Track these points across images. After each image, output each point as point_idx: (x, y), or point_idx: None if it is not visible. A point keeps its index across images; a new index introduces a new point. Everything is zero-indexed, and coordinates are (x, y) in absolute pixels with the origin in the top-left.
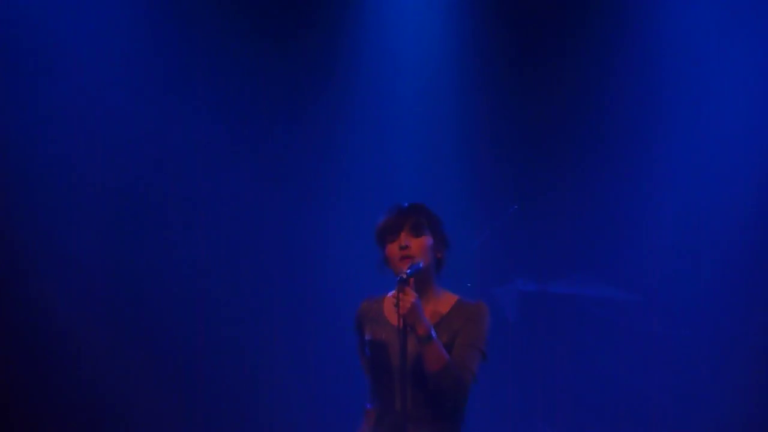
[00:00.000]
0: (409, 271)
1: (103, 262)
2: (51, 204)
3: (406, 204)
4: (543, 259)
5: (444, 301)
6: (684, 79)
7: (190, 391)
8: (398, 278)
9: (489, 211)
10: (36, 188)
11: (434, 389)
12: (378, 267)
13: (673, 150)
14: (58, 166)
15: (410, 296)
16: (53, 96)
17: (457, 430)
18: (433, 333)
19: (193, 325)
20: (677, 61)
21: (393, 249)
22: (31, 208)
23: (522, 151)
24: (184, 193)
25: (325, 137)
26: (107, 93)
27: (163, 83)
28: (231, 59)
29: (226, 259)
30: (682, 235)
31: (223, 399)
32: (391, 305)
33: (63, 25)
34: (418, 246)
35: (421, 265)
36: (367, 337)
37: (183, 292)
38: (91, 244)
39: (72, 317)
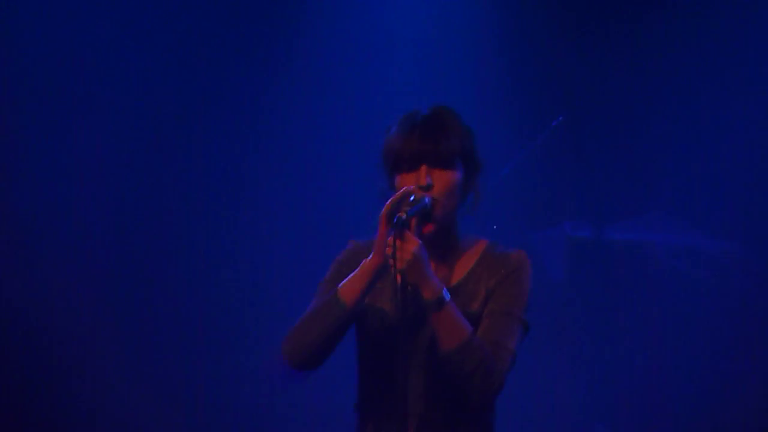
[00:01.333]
0: (409, 210)
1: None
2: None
3: (428, 112)
4: (599, 195)
5: (469, 251)
6: None
7: (183, 391)
8: (395, 219)
9: (523, 126)
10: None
11: (453, 377)
12: (381, 196)
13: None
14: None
15: (411, 244)
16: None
17: None
18: (446, 295)
19: (184, 325)
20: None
21: (407, 184)
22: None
23: (573, 48)
24: (177, 188)
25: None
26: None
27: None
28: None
29: (208, 256)
30: None
31: (217, 399)
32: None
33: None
34: (444, 183)
35: (427, 200)
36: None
37: (173, 291)
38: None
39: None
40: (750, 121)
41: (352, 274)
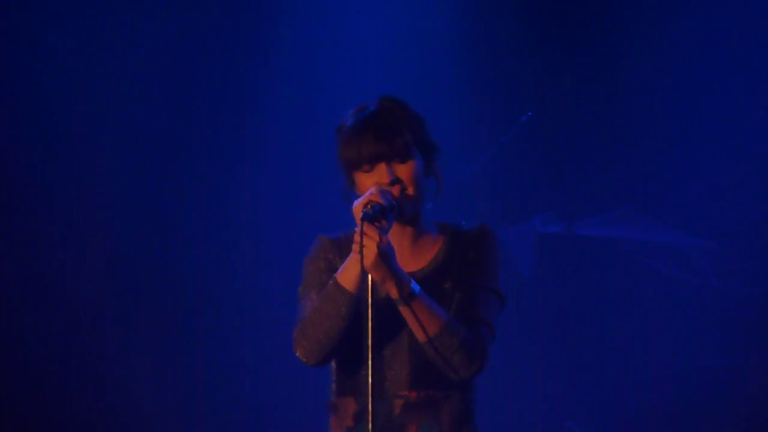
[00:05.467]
0: (376, 205)
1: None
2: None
3: (377, 108)
4: (569, 190)
5: (435, 233)
6: None
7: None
8: (362, 213)
9: (492, 121)
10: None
11: (436, 361)
12: (344, 197)
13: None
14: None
15: (375, 239)
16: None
17: (470, 416)
18: (415, 288)
19: (191, 325)
20: None
21: (368, 182)
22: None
23: (542, 44)
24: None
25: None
26: None
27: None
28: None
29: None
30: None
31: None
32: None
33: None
34: (407, 174)
35: (388, 201)
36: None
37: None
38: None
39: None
40: (723, 118)
41: (345, 262)
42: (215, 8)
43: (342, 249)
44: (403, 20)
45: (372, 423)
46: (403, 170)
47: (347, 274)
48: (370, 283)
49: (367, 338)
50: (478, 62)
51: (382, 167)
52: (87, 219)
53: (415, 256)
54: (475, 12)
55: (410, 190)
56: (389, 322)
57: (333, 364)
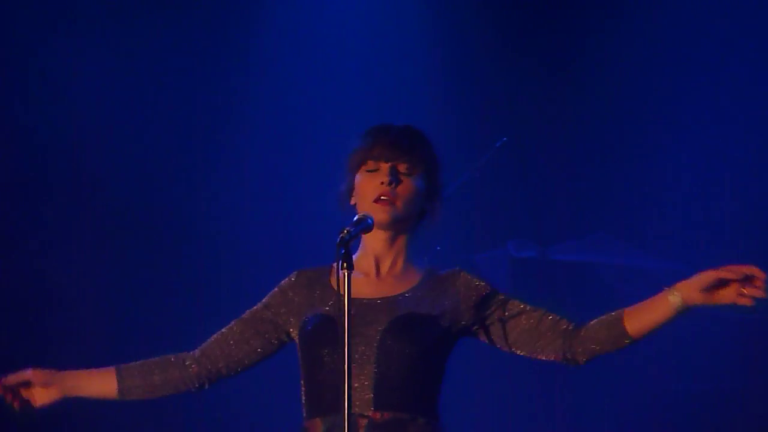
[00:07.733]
0: (353, 229)
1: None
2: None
3: (402, 126)
4: (545, 215)
5: (417, 268)
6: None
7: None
8: (338, 238)
9: (469, 146)
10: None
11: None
12: (339, 202)
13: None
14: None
15: None
16: None
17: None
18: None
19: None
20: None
21: (369, 182)
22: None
23: (517, 71)
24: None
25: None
26: None
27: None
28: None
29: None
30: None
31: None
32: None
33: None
34: (406, 189)
35: (370, 221)
36: (307, 314)
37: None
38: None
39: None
40: (698, 144)
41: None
42: (202, 10)
43: (312, 283)
44: (380, 41)
45: None
46: (405, 182)
47: None
48: (347, 308)
49: (344, 364)
50: (452, 86)
51: (385, 168)
52: (85, 219)
53: (398, 279)
54: (452, 38)
55: (400, 203)
56: (355, 341)
57: (301, 387)
